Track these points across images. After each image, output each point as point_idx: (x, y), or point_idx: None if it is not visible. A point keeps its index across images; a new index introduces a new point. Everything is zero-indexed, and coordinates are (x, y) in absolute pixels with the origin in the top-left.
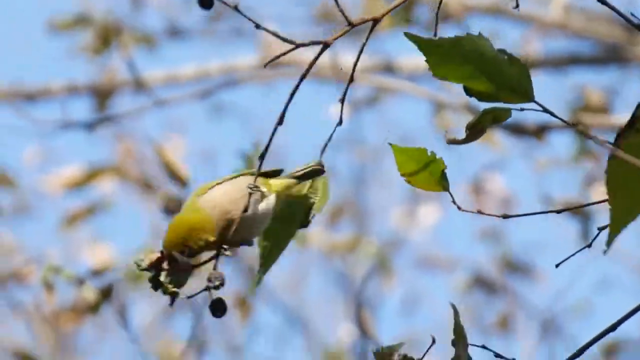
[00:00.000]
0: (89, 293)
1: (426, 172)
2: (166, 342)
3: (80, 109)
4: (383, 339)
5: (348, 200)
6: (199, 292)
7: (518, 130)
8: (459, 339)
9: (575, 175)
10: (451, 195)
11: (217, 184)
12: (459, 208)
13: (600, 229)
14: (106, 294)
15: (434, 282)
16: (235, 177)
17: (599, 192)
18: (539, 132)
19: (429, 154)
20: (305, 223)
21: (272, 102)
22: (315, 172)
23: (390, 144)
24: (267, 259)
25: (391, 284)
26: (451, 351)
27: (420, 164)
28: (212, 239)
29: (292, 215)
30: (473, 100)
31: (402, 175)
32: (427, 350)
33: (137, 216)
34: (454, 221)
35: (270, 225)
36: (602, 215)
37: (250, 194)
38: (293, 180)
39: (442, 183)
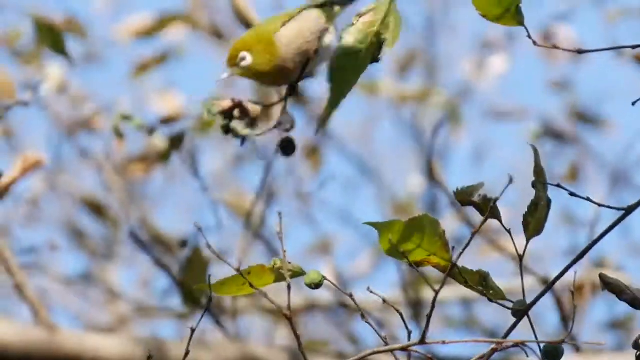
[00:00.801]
0: (159, 141)
1: (501, 7)
2: (236, 191)
3: None
4: (453, 187)
5: (418, 49)
6: (267, 131)
7: None
8: (539, 179)
9: None
10: (527, 29)
11: (286, 19)
12: (534, 43)
13: None
14: (176, 142)
15: (503, 133)
16: (301, 11)
17: None
18: None
19: None
20: (376, 59)
21: None
22: None
23: None
24: (337, 95)
25: (460, 134)
26: (525, 196)
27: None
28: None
29: (363, 50)
30: None
31: (477, 10)
32: (506, 188)
33: (207, 65)
34: (524, 71)
35: (339, 59)
36: None
37: (321, 33)
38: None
39: (517, 17)
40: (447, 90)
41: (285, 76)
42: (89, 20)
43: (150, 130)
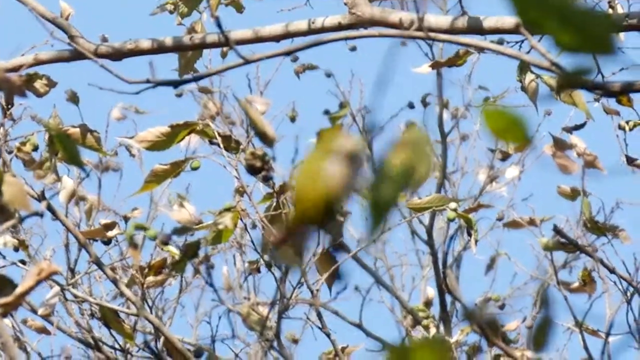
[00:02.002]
0: (174, 251)
1: (512, 123)
2: (250, 300)
3: (166, 68)
4: (467, 296)
5: (432, 158)
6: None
7: (602, 90)
8: (550, 292)
9: None
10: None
11: (322, 155)
12: (552, 155)
13: None
14: (191, 252)
15: (516, 242)
16: (333, 145)
17: None
18: (623, 92)
19: (517, 113)
20: (409, 189)
21: (358, 61)
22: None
23: (482, 104)
24: (376, 222)
25: (474, 243)
26: (537, 305)
27: (508, 121)
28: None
29: (398, 181)
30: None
31: (491, 132)
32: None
33: (222, 175)
34: (537, 181)
35: (377, 189)
36: None
37: (357, 167)
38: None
39: (528, 134)
40: (461, 198)
41: (328, 212)
42: (105, 129)
43: (166, 240)
